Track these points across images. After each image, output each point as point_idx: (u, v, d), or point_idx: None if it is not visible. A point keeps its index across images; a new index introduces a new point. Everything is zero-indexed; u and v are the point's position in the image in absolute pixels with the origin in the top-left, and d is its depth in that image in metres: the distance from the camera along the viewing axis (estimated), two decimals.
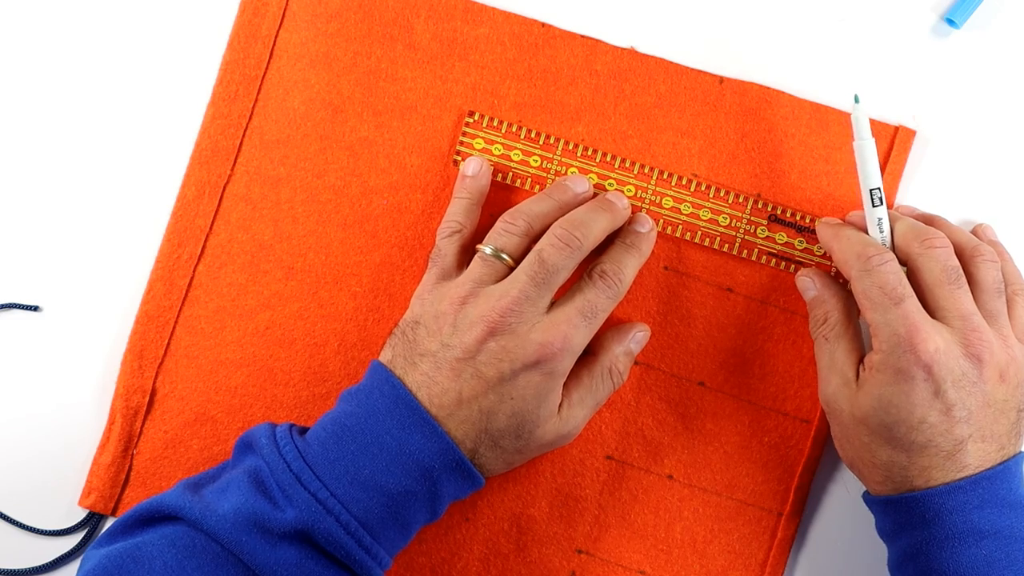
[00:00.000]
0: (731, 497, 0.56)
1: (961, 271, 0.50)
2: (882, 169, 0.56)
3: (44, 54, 0.57)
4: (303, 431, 0.50)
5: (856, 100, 0.52)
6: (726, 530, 0.56)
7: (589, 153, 0.56)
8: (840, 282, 0.54)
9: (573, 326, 0.50)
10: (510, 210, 0.53)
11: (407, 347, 0.51)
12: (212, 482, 0.49)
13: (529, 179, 0.56)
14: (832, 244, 0.52)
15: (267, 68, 0.56)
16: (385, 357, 0.51)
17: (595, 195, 0.55)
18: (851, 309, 0.52)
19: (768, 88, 0.56)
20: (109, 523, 0.56)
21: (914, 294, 0.49)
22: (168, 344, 0.56)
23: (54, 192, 0.57)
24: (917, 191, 0.56)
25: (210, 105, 0.56)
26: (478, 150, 0.56)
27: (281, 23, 0.56)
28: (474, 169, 0.55)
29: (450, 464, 0.49)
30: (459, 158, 0.56)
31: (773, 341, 0.56)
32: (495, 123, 0.56)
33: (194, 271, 0.56)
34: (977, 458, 0.48)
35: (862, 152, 0.52)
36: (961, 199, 0.56)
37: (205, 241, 0.56)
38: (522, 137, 0.56)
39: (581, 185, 0.54)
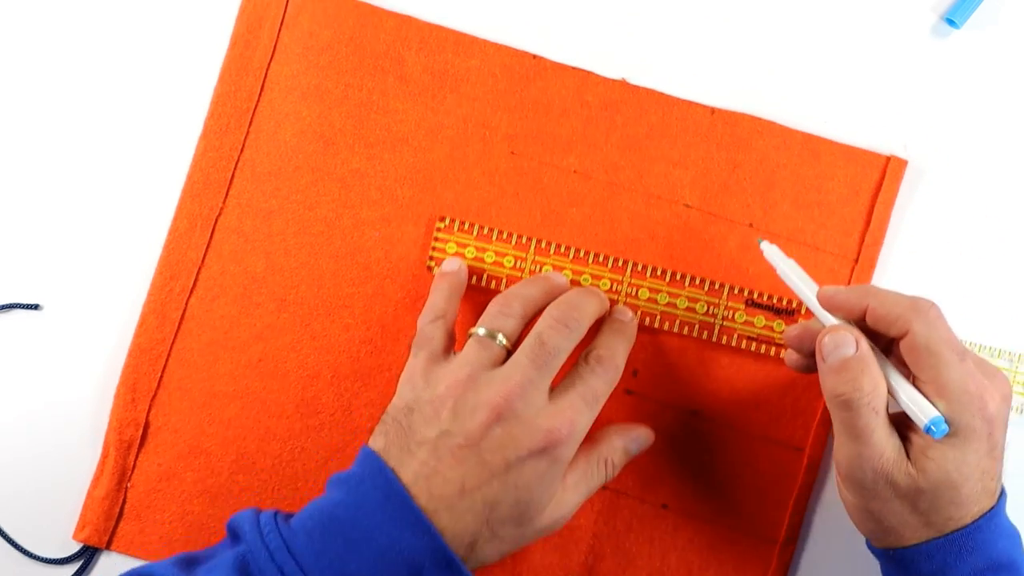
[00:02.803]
0: (726, 526, 0.56)
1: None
2: (873, 200, 0.56)
3: (41, 80, 0.57)
4: (288, 517, 0.48)
5: (760, 241, 0.53)
6: (721, 559, 0.56)
7: (562, 250, 0.56)
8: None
9: (578, 412, 0.49)
10: (501, 294, 0.52)
11: (401, 435, 0.48)
12: (206, 561, 0.47)
13: (504, 279, 0.56)
14: (868, 300, 0.48)
15: (258, 100, 0.56)
16: (377, 445, 0.49)
17: None
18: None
19: (759, 119, 0.56)
20: (104, 556, 0.56)
21: None
22: (161, 377, 0.56)
23: (45, 221, 0.57)
24: (910, 222, 0.56)
25: (202, 138, 0.56)
26: (451, 254, 0.56)
27: (272, 55, 0.56)
28: (451, 266, 0.55)
29: (441, 563, 0.46)
30: (432, 263, 0.56)
31: (764, 372, 0.56)
32: (466, 226, 0.56)
33: (186, 304, 0.56)
34: (998, 486, 0.48)
35: (789, 276, 0.52)
36: (954, 229, 0.56)
37: (197, 273, 0.56)
38: (494, 238, 0.56)
39: (561, 279, 0.55)
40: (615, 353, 0.52)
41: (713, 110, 0.56)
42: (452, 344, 0.52)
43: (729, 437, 0.56)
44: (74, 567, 0.56)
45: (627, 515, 0.56)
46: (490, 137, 0.56)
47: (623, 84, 0.56)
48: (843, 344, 0.47)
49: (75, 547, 0.56)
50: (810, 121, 0.56)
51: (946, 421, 0.46)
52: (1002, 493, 0.49)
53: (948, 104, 0.57)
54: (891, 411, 0.48)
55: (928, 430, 0.46)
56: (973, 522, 0.47)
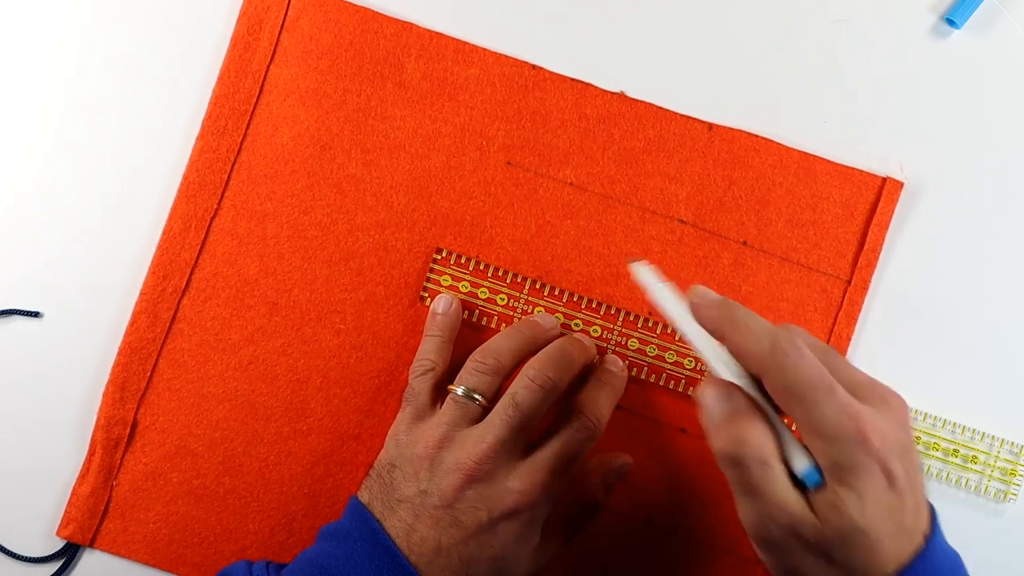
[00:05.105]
0: (710, 544, 0.56)
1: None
2: (868, 221, 0.56)
3: (39, 79, 0.57)
4: (280, 568, 0.49)
5: (629, 263, 0.50)
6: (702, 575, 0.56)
7: (556, 293, 0.56)
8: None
9: (552, 473, 0.49)
10: (480, 348, 0.52)
11: (384, 491, 0.50)
12: None
13: (496, 317, 0.56)
14: (726, 330, 0.44)
15: (257, 103, 0.56)
16: (363, 498, 0.50)
17: (562, 335, 0.54)
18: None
19: (756, 136, 0.56)
20: (87, 554, 0.56)
21: None
22: (151, 376, 0.56)
23: (42, 221, 0.57)
24: (904, 244, 0.56)
25: (199, 139, 0.56)
26: (445, 287, 0.56)
27: (272, 58, 0.56)
28: (444, 307, 0.54)
29: None
30: (426, 295, 0.56)
31: None
32: (462, 260, 0.56)
33: (178, 304, 0.56)
34: (924, 520, 0.43)
35: (662, 300, 0.48)
36: (949, 252, 0.56)
37: (190, 274, 0.56)
38: (489, 275, 0.56)
39: (549, 323, 0.54)
40: (598, 407, 0.51)
41: (711, 126, 0.56)
42: (440, 396, 0.53)
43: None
44: (56, 565, 0.55)
45: (611, 530, 0.56)
46: (487, 146, 0.56)
47: (621, 97, 0.56)
48: (720, 399, 0.44)
49: (58, 544, 0.55)
50: (808, 135, 0.56)
51: (827, 465, 0.42)
52: (933, 521, 0.44)
53: (945, 119, 0.57)
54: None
55: (804, 481, 0.42)
56: (899, 571, 0.42)
